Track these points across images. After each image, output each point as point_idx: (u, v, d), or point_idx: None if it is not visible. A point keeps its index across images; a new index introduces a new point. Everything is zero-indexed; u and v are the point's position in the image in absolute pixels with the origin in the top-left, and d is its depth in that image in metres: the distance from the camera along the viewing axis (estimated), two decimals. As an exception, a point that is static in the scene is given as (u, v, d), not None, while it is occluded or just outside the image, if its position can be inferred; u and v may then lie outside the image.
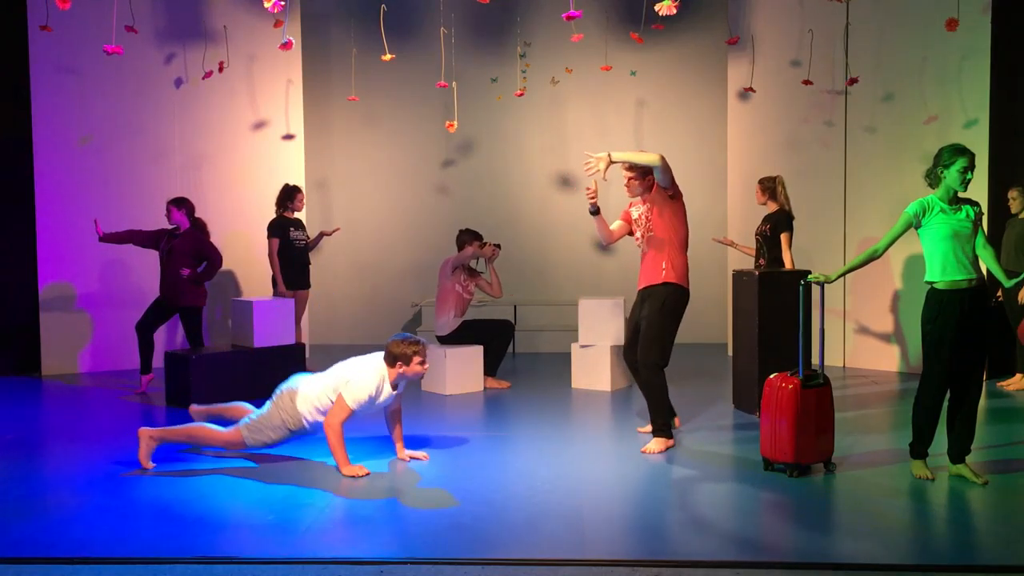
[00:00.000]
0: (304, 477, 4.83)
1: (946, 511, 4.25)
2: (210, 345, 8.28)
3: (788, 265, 6.64)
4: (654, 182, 5.39)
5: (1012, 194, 7.11)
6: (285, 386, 5.03)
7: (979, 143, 7.12)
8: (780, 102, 8.69)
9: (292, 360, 7.07)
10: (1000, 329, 7.12)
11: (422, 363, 4.92)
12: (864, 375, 7.88)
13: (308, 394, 4.93)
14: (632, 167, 5.35)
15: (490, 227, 9.95)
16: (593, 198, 5.31)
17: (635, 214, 5.52)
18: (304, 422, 4.93)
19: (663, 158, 5.16)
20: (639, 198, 5.50)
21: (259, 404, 5.15)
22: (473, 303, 7.78)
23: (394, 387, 4.95)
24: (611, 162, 5.09)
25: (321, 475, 4.87)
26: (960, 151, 4.54)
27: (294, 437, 5.01)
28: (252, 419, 4.97)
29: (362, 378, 4.86)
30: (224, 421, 5.20)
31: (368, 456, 5.21)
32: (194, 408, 5.45)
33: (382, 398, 4.92)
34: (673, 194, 5.34)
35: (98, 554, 3.75)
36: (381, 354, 5.01)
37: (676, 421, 5.75)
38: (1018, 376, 7.10)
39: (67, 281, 8.24)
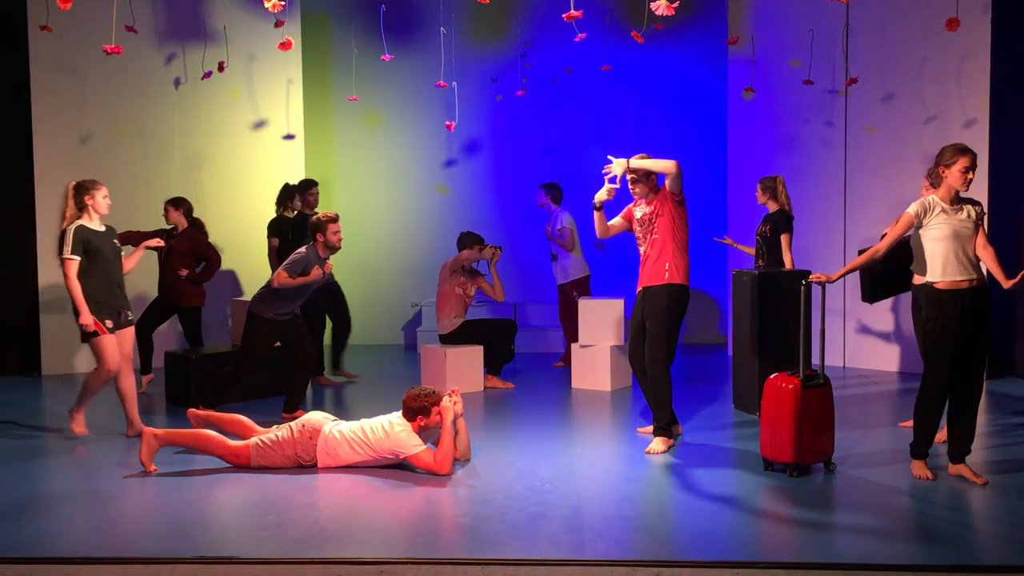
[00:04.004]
0: (304, 477, 4.83)
1: (946, 511, 4.25)
2: (210, 345, 8.27)
3: (788, 265, 6.64)
4: (658, 185, 5.47)
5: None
6: (307, 421, 5.04)
7: (979, 143, 7.11)
8: (780, 102, 8.70)
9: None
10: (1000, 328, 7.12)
11: (439, 412, 4.94)
12: (864, 375, 7.88)
13: (329, 439, 4.95)
14: (636, 169, 5.38)
15: (490, 227, 9.96)
16: (609, 198, 5.46)
17: (638, 214, 5.55)
18: (315, 460, 4.96)
19: (677, 165, 5.30)
20: (642, 199, 5.54)
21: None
22: (473, 303, 7.79)
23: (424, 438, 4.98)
24: (628, 169, 5.31)
25: (321, 475, 4.87)
26: (962, 151, 4.54)
27: (298, 467, 5.00)
28: (264, 441, 4.96)
29: (403, 432, 4.90)
30: (221, 431, 5.17)
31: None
32: (192, 412, 5.44)
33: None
34: (680, 199, 5.41)
35: (98, 554, 3.75)
36: (398, 413, 5.02)
37: (678, 428, 5.75)
38: None
39: (67, 281, 8.23)
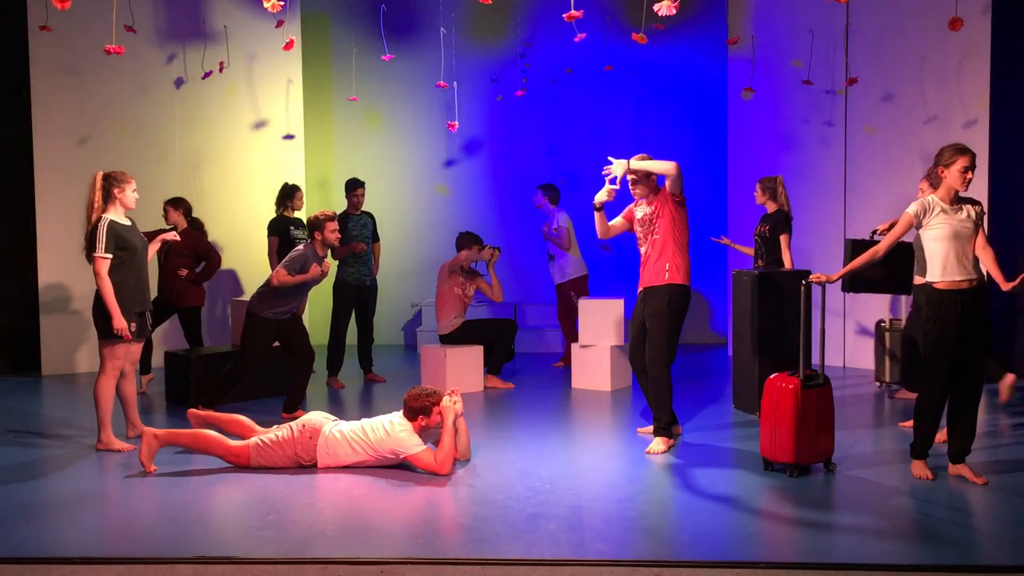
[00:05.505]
0: (304, 477, 4.83)
1: (946, 511, 4.25)
2: (210, 345, 8.27)
3: (788, 265, 6.65)
4: (658, 186, 5.48)
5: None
6: (308, 421, 5.02)
7: (979, 143, 7.12)
8: (780, 102, 8.70)
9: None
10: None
11: (440, 412, 4.94)
12: (864, 375, 7.88)
13: (329, 439, 4.94)
14: (636, 170, 5.39)
15: (489, 227, 9.97)
16: (609, 199, 5.45)
17: (639, 214, 5.56)
18: (315, 460, 4.95)
19: (678, 166, 5.30)
20: (643, 199, 5.54)
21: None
22: (473, 303, 7.79)
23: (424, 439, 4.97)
24: (629, 169, 5.32)
25: (321, 475, 4.87)
26: (961, 151, 4.54)
27: (298, 467, 5.00)
28: (264, 441, 4.96)
29: (404, 432, 4.90)
30: (221, 431, 5.16)
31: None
32: (192, 412, 5.43)
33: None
34: (681, 200, 5.42)
35: (98, 554, 3.75)
36: (399, 413, 5.03)
37: (678, 429, 5.75)
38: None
39: (66, 281, 8.24)
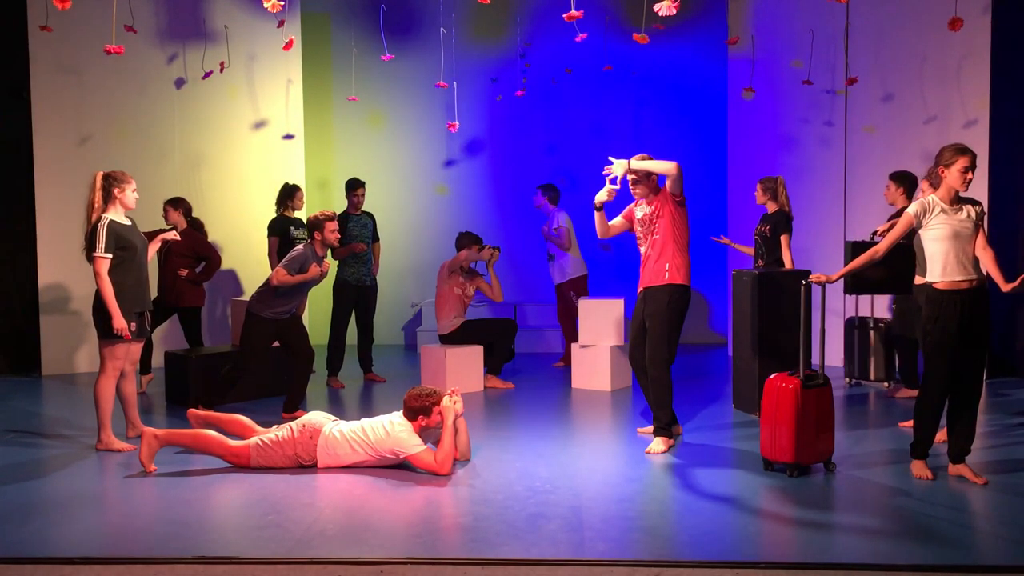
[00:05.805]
0: (304, 477, 4.83)
1: (946, 511, 4.25)
2: (210, 345, 8.27)
3: (788, 265, 6.66)
4: (659, 185, 5.48)
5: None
6: (308, 421, 5.02)
7: (979, 143, 7.12)
8: (780, 102, 8.70)
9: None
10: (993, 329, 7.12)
11: (440, 412, 4.94)
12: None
13: (329, 439, 4.94)
14: (636, 170, 5.39)
15: (489, 227, 9.97)
16: (609, 199, 5.46)
17: (639, 214, 5.56)
18: (315, 460, 4.95)
19: (678, 166, 5.30)
20: (643, 199, 5.54)
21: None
22: (473, 303, 7.79)
23: (424, 439, 4.97)
24: (629, 169, 5.32)
25: (321, 475, 4.87)
26: (961, 151, 4.54)
27: (298, 467, 5.00)
28: (264, 441, 4.96)
29: (404, 432, 4.90)
30: (221, 431, 5.16)
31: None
32: (192, 412, 5.43)
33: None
34: (681, 200, 5.42)
35: (98, 554, 3.75)
36: (399, 413, 5.03)
37: (678, 429, 5.75)
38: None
39: (66, 281, 8.24)
